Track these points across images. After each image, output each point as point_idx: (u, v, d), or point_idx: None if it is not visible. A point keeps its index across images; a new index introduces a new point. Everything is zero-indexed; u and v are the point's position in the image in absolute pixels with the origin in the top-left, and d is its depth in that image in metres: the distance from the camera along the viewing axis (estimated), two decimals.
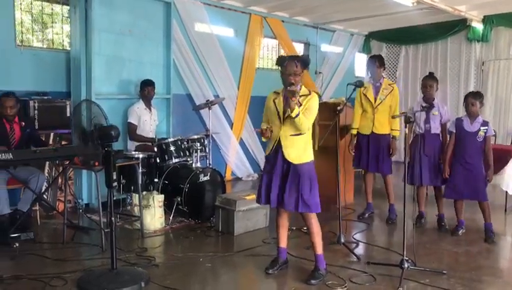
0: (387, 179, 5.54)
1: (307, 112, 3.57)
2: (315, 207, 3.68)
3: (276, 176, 3.68)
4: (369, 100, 5.38)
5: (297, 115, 3.49)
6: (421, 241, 4.69)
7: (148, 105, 6.10)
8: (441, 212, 5.26)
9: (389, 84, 5.42)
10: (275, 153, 3.69)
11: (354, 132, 5.53)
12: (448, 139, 5.00)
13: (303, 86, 3.68)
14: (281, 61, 3.64)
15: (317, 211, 3.70)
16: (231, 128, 7.96)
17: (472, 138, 4.78)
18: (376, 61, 5.44)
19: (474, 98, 4.76)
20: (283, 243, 3.95)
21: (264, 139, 3.76)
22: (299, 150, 3.65)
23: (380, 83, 5.39)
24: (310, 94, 3.64)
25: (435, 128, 5.07)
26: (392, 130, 5.37)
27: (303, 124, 3.53)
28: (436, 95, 5.16)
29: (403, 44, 10.06)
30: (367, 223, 5.44)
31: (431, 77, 5.13)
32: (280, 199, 3.68)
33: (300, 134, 3.61)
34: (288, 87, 3.47)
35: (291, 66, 3.56)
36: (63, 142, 5.62)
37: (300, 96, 3.58)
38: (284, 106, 3.61)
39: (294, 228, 4.86)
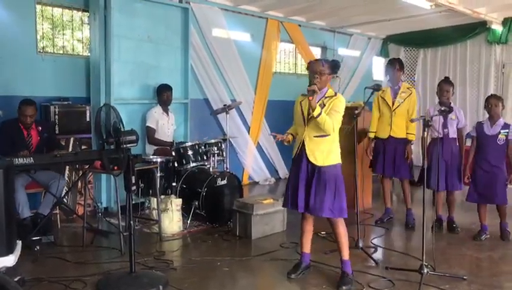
0: (405, 183, 5.49)
1: (332, 113, 3.53)
2: (339, 212, 3.62)
3: (302, 179, 3.65)
4: (387, 103, 5.34)
5: (319, 115, 3.44)
6: (441, 247, 4.62)
7: (166, 110, 6.15)
8: (452, 215, 5.24)
9: (408, 88, 5.39)
10: (300, 155, 3.67)
11: (372, 135, 5.49)
12: (470, 143, 4.96)
13: (330, 89, 3.67)
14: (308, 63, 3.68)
15: (341, 216, 3.65)
16: (248, 133, 7.97)
17: (492, 142, 4.73)
18: (396, 64, 5.39)
19: (497, 100, 4.73)
20: (307, 248, 3.92)
21: (285, 143, 3.79)
22: (324, 152, 3.60)
23: (399, 86, 5.36)
24: (335, 96, 3.62)
25: (453, 133, 5.04)
26: (407, 134, 5.31)
27: (326, 125, 3.48)
28: (453, 100, 5.13)
29: (421, 47, 9.95)
30: (385, 228, 5.39)
31: (447, 81, 5.11)
32: (306, 203, 3.64)
33: (324, 135, 3.58)
34: (308, 87, 3.46)
35: (316, 65, 3.58)
36: (83, 147, 5.70)
37: (325, 97, 3.59)
38: (308, 108, 3.62)
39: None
